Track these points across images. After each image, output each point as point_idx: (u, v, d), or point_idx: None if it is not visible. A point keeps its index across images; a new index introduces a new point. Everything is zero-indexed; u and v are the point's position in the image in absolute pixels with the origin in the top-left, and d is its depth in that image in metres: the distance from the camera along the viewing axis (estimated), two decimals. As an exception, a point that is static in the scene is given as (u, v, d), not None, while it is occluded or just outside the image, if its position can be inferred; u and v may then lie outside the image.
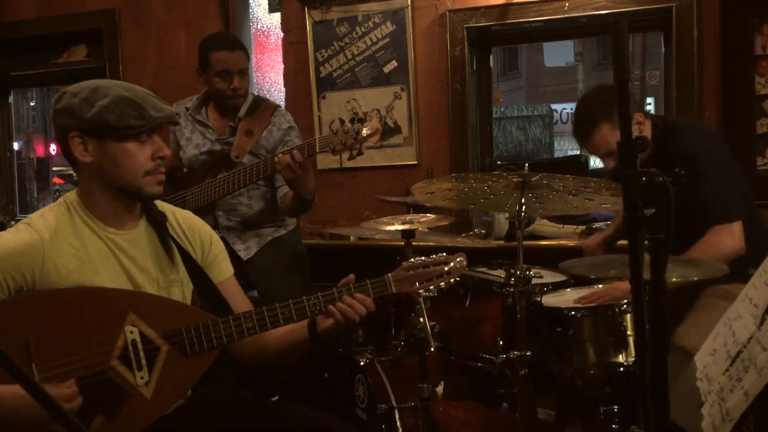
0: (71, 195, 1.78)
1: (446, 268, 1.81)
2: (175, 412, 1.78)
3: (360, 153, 2.58)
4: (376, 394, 2.46)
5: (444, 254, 1.83)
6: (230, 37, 2.95)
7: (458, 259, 1.82)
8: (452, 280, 1.82)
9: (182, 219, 1.91)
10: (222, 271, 1.93)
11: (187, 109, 2.99)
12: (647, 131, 2.49)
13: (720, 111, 3.39)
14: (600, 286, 2.51)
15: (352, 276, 1.78)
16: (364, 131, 2.46)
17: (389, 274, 1.78)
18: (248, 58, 2.92)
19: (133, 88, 1.74)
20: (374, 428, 2.42)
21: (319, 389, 2.84)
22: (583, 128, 2.50)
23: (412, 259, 1.81)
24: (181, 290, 1.84)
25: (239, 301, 1.90)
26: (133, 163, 1.72)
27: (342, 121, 2.44)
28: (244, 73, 2.87)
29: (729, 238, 2.32)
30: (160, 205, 1.88)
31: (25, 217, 1.80)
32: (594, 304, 2.30)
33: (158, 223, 1.82)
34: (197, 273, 1.83)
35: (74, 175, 1.81)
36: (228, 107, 2.91)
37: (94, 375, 1.61)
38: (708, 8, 3.39)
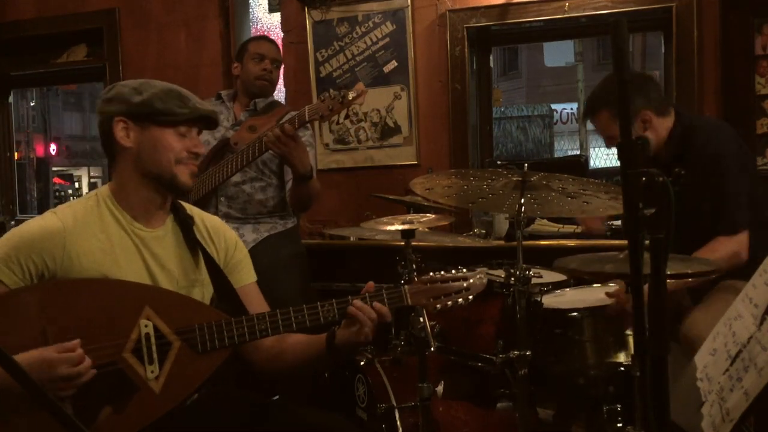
0: (104, 188, 1.83)
1: (465, 284, 1.75)
2: (176, 410, 1.78)
3: (347, 116, 2.68)
4: (376, 394, 2.46)
5: (464, 270, 1.77)
6: (270, 38, 3.29)
7: (478, 276, 1.76)
8: (470, 297, 1.75)
9: (209, 223, 1.94)
10: (244, 276, 1.95)
11: (220, 94, 3.13)
12: (660, 128, 2.51)
13: (720, 111, 3.38)
14: (610, 283, 2.49)
15: (371, 284, 1.75)
16: (350, 95, 2.55)
17: (406, 286, 1.73)
18: (281, 59, 3.16)
19: (178, 86, 1.83)
20: (374, 428, 2.42)
21: (319, 389, 2.84)
22: (589, 106, 2.64)
23: (432, 273, 1.75)
24: (201, 291, 1.86)
25: (258, 308, 1.89)
26: (169, 151, 1.77)
27: (328, 89, 2.58)
28: (277, 63, 3.08)
29: (735, 247, 2.35)
30: (189, 209, 1.91)
31: (25, 217, 1.82)
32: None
33: (185, 225, 1.84)
34: (218, 275, 1.84)
35: (109, 168, 1.86)
36: (255, 93, 3.05)
37: (106, 365, 1.62)
38: (708, 8, 3.39)
